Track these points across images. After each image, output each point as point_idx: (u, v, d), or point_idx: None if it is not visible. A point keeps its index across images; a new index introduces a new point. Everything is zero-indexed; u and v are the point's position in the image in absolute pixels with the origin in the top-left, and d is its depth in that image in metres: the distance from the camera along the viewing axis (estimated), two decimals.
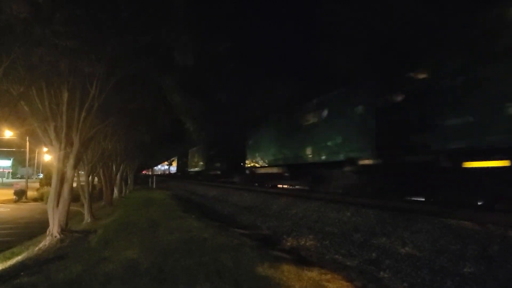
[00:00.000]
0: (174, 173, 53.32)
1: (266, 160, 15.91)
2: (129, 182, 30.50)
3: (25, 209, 22.90)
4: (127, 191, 27.93)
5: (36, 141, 11.97)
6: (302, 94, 13.54)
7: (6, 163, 57.17)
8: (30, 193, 29.09)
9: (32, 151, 38.38)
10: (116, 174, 21.12)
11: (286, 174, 13.78)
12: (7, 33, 5.13)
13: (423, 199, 8.07)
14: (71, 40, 5.50)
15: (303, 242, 6.30)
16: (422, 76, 7.58)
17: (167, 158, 56.77)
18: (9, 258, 9.34)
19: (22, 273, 5.60)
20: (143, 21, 6.71)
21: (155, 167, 67.27)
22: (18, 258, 8.75)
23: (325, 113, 11.51)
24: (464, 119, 6.44)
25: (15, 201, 27.04)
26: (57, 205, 8.67)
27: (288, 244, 6.44)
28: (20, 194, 27.96)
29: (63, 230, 8.64)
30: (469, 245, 4.26)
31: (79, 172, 13.34)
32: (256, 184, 17.04)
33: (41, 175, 46.67)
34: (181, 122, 21.66)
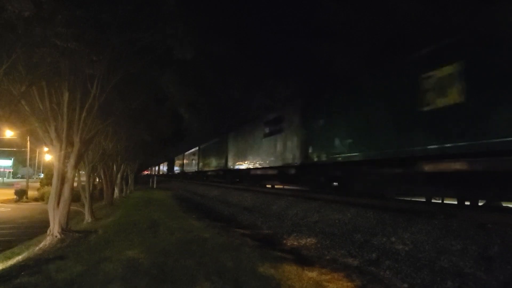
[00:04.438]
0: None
1: None
2: (129, 182, 30.52)
3: (26, 209, 22.94)
4: (128, 191, 27.95)
5: (37, 141, 11.99)
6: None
7: (7, 162, 57.29)
8: (31, 193, 29.14)
9: (32, 151, 38.42)
10: (117, 174, 21.14)
11: None
12: (9, 33, 5.14)
13: (424, 200, 8.06)
14: (71, 41, 5.51)
15: (303, 242, 6.30)
16: None
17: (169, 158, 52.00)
18: (9, 258, 9.36)
19: (22, 273, 5.60)
20: (142, 19, 6.71)
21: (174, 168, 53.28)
22: (19, 258, 8.76)
23: None
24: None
25: (16, 201, 27.10)
26: (58, 205, 8.68)
27: (288, 244, 6.44)
28: (21, 194, 28.03)
29: (64, 230, 8.65)
30: (469, 245, 4.26)
31: (80, 172, 13.36)
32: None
33: (42, 175, 46.72)
34: (182, 120, 21.59)
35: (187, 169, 35.31)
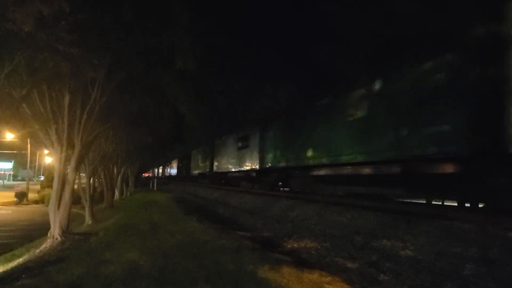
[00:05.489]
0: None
1: None
2: (130, 184, 30.52)
3: (26, 212, 22.96)
4: (128, 193, 27.94)
5: (38, 143, 12.01)
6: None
7: (8, 165, 57.30)
8: (31, 195, 29.14)
9: (33, 154, 38.46)
10: (117, 176, 21.15)
11: None
12: (11, 38, 5.17)
13: (424, 201, 8.07)
14: (74, 47, 5.54)
15: (303, 245, 6.30)
16: None
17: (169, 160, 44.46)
18: (10, 260, 9.36)
19: (23, 275, 5.62)
20: (145, 25, 6.75)
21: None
22: (20, 260, 8.76)
23: None
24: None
25: (16, 204, 27.10)
26: (58, 207, 8.69)
27: (288, 246, 6.44)
28: (21, 197, 28.04)
29: (64, 232, 8.66)
30: (470, 247, 4.27)
31: (80, 174, 13.39)
32: None
33: (42, 177, 46.67)
34: (184, 121, 20.94)
35: (226, 166, 19.89)
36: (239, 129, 18.56)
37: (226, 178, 20.81)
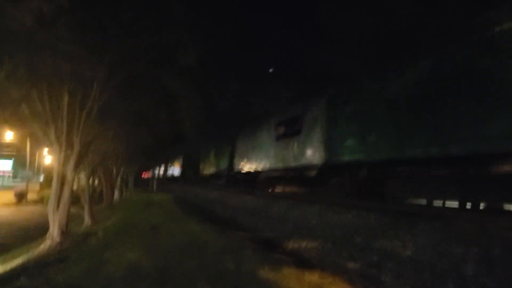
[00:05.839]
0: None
1: None
2: (129, 184, 30.48)
3: (26, 212, 22.88)
4: (128, 194, 27.92)
5: (37, 143, 11.99)
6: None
7: (7, 164, 57.14)
8: (31, 196, 29.10)
9: (33, 154, 38.36)
10: (117, 177, 21.12)
11: None
12: (10, 37, 5.15)
13: (425, 201, 8.05)
14: (74, 46, 5.52)
15: (304, 245, 6.28)
16: None
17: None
18: (9, 261, 9.33)
19: (22, 276, 5.59)
20: (145, 24, 6.73)
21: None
22: (18, 260, 8.73)
23: None
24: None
25: (16, 204, 27.06)
26: (58, 208, 8.66)
27: (289, 247, 6.42)
28: (21, 197, 28.01)
29: (64, 232, 8.63)
30: (471, 248, 4.25)
31: (80, 174, 13.37)
32: None
33: (42, 177, 46.55)
34: (187, 118, 20.45)
35: (255, 163, 14.55)
36: (278, 111, 13.34)
37: (254, 179, 15.04)
